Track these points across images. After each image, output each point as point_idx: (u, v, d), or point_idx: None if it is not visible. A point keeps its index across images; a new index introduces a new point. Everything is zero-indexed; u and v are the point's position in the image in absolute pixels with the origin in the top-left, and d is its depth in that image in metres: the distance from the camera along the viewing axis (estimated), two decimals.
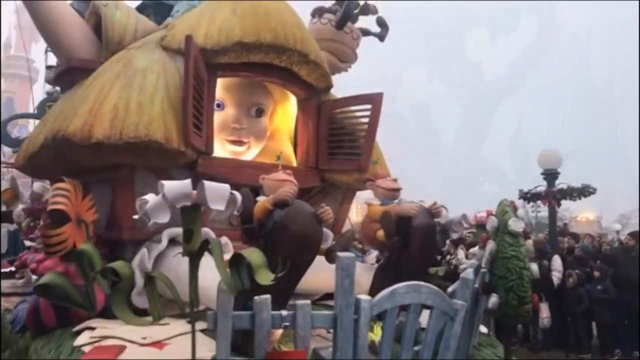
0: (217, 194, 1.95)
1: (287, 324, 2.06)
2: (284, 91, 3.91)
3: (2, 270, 4.50)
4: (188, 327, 2.58)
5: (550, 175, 8.80)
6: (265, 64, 3.42)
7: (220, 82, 3.42)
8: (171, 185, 1.91)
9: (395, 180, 3.33)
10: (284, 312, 2.07)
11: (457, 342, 2.42)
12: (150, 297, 2.09)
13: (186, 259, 3.02)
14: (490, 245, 2.45)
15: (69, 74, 3.52)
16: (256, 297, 2.04)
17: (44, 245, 2.66)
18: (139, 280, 2.98)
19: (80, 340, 2.42)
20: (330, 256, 3.46)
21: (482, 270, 2.51)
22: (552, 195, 8.81)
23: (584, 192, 8.90)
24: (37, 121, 4.98)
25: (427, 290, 2.31)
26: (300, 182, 3.64)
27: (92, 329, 2.52)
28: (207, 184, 1.94)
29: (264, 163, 3.52)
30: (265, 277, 1.87)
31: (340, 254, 2.12)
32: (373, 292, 2.56)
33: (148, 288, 2.09)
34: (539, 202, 9.38)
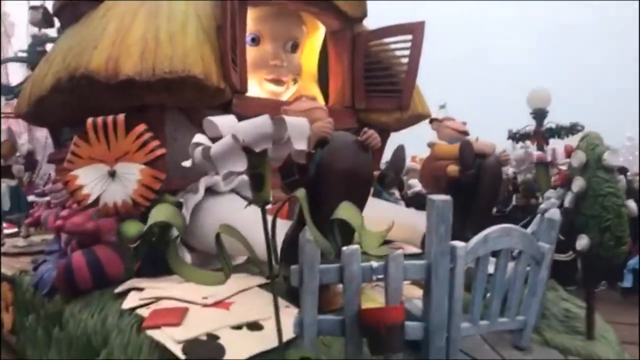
0: (299, 131, 1.64)
1: (380, 276, 1.82)
2: (315, 23, 3.53)
3: (7, 231, 4.17)
4: (244, 283, 2.34)
5: (539, 114, 8.84)
6: None
7: (253, 13, 3.04)
8: (247, 125, 1.58)
9: (464, 123, 3.08)
10: (374, 264, 1.82)
11: (543, 289, 2.24)
12: (219, 251, 1.80)
13: (236, 210, 2.76)
14: (579, 182, 2.21)
15: (72, 7, 3.09)
16: (345, 248, 1.77)
17: (151, 191, 2.35)
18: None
19: (128, 302, 2.14)
20: (385, 182, 3.22)
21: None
22: (541, 134, 8.86)
23: (572, 130, 9.00)
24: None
25: (517, 234, 2.09)
26: (336, 124, 3.36)
27: (139, 289, 2.25)
28: (288, 119, 1.62)
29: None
30: (373, 244, 1.63)
31: (435, 196, 1.85)
32: None
33: (216, 241, 1.80)
34: (527, 141, 9.41)
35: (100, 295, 2.39)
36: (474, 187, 2.95)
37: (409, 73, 3.41)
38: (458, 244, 1.88)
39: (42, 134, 6.40)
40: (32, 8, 5.58)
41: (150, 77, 2.35)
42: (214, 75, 2.50)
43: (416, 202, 4.51)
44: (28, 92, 3.15)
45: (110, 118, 2.45)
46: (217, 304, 2.04)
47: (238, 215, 2.70)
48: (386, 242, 2.18)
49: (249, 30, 3.05)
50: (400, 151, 3.19)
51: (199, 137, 1.76)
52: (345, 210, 1.73)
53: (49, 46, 4.86)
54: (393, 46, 3.51)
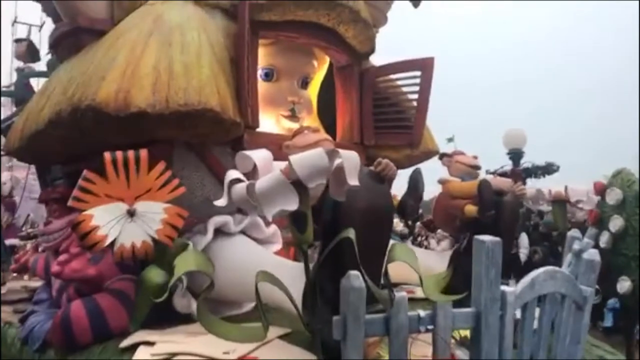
0: (353, 165, 1.50)
1: (430, 326, 1.65)
2: (324, 58, 3.45)
3: None
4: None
5: (516, 155, 8.99)
6: (310, 23, 2.95)
7: (266, 48, 2.94)
8: (300, 159, 1.42)
9: (475, 157, 2.98)
10: (422, 313, 1.66)
11: (586, 336, 2.10)
12: (258, 303, 1.62)
13: (249, 253, 2.57)
14: (617, 221, 2.12)
15: (73, 36, 2.93)
16: (394, 295, 1.61)
17: (81, 241, 2.12)
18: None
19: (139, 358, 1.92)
20: (406, 212, 3.01)
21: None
22: (518, 174, 9.00)
23: (548, 170, 9.27)
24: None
25: (561, 277, 1.96)
26: None
27: (149, 343, 2.02)
28: (343, 152, 1.48)
29: None
30: (434, 289, 1.48)
31: (485, 237, 1.72)
32: (457, 278, 2.20)
33: (255, 291, 1.62)
34: None
35: (102, 349, 2.15)
36: (493, 226, 2.85)
37: (419, 109, 3.33)
38: (507, 289, 1.74)
39: (21, 173, 6.11)
40: (17, 41, 5.40)
41: (164, 109, 2.19)
42: (230, 108, 2.36)
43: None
44: (21, 126, 2.95)
45: (131, 153, 2.27)
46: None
47: (251, 259, 2.52)
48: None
49: (262, 65, 2.94)
50: (417, 175, 2.98)
51: (234, 173, 1.60)
52: (401, 252, 1.58)
53: (33, 80, 4.67)
54: (402, 82, 3.45)
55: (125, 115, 2.20)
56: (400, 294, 1.61)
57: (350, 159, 1.49)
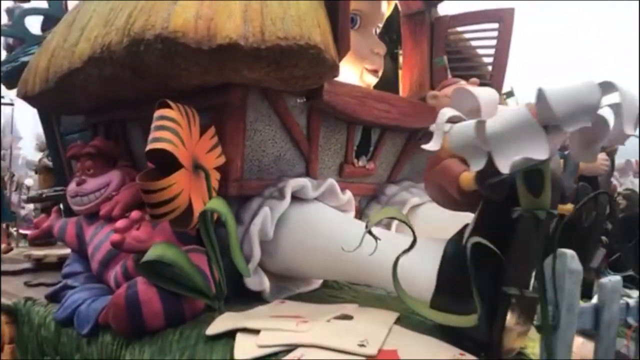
0: (632, 109, 1.09)
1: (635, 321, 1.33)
2: (390, 4, 3.03)
3: None
4: (380, 319, 1.78)
5: None
6: None
7: None
8: (560, 92, 1.02)
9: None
10: (631, 301, 1.34)
11: None
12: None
13: (338, 223, 2.20)
14: None
15: None
16: (604, 280, 1.28)
17: (149, 206, 1.70)
18: (256, 252, 2.12)
19: (245, 352, 1.52)
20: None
21: None
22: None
23: None
24: None
25: None
26: (414, 121, 2.87)
27: (249, 331, 1.63)
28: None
29: (386, 94, 2.67)
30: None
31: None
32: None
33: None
34: None
35: (179, 337, 1.75)
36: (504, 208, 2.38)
37: (496, 67, 2.96)
38: None
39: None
40: None
41: (259, 42, 1.75)
42: (331, 47, 1.93)
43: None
44: (44, 65, 2.44)
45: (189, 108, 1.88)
46: (382, 353, 1.47)
47: (338, 229, 2.14)
48: None
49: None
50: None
51: (450, 111, 1.22)
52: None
53: None
54: (474, 35, 3.07)
55: (209, 49, 1.75)
56: (616, 279, 1.28)
57: (630, 99, 1.08)
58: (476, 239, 1.26)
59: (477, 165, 1.15)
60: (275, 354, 1.50)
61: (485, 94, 1.19)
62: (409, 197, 2.84)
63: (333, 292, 2.36)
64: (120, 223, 1.85)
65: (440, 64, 2.94)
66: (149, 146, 1.69)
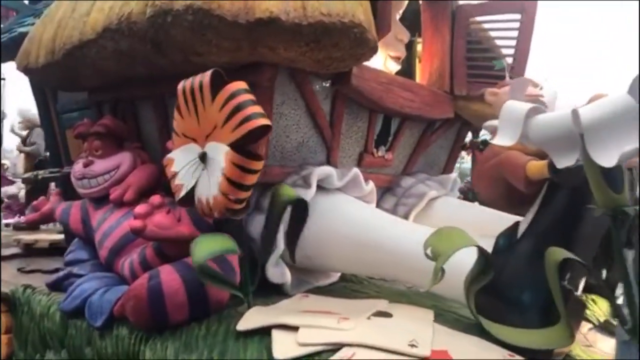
0: None
1: None
2: None
3: None
4: (419, 316, 1.69)
5: None
6: None
7: None
8: None
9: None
10: None
11: None
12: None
13: (369, 214, 2.10)
14: None
15: None
16: None
17: (243, 188, 1.55)
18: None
19: (284, 351, 1.41)
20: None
21: None
22: (476, 145, 8.84)
23: None
24: None
25: None
26: (433, 112, 2.79)
27: (286, 327, 1.52)
28: None
29: (410, 82, 2.57)
30: None
31: None
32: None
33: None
34: (463, 152, 9.43)
35: (206, 332, 1.63)
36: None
37: (518, 59, 2.89)
38: None
39: None
40: None
41: (301, 18, 1.62)
42: (373, 27, 1.82)
43: None
44: (50, 35, 2.26)
45: (197, 79, 1.67)
46: (436, 353, 1.38)
47: (374, 221, 2.05)
48: None
49: None
50: None
51: (517, 103, 1.12)
52: None
53: None
54: (495, 25, 2.99)
55: (246, 22, 1.62)
56: None
57: None
58: (562, 251, 1.17)
59: (566, 160, 1.06)
60: (318, 352, 1.40)
61: (548, 87, 1.12)
62: (426, 189, 2.76)
63: (353, 286, 2.26)
64: (140, 208, 1.71)
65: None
66: (257, 123, 1.50)
